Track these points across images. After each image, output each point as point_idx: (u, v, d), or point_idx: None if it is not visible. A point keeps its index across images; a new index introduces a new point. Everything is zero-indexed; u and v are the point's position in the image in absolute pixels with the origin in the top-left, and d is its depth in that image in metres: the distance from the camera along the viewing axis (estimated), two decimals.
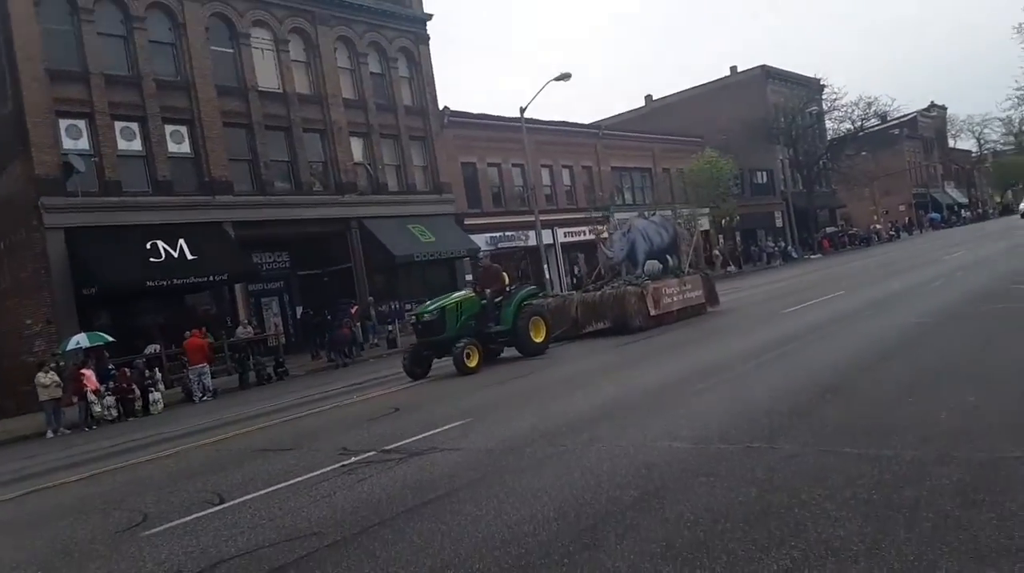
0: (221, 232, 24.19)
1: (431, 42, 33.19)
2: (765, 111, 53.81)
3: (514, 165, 35.88)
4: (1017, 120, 73.43)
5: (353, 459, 7.61)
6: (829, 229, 58.92)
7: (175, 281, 21.71)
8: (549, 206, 37.02)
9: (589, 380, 10.90)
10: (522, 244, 34.58)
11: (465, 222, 32.63)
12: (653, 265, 19.24)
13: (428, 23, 33.10)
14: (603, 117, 58.06)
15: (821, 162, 57.03)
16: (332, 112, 28.39)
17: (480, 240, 32.29)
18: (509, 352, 15.42)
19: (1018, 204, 56.92)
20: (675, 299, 18.04)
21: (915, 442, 5.28)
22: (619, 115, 61.83)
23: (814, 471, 4.96)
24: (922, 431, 5.53)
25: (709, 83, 59.71)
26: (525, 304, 15.23)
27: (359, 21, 29.97)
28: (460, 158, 33.69)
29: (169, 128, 23.85)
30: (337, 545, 4.95)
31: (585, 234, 39.44)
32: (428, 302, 16.18)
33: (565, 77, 30.36)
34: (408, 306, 29.15)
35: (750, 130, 50.77)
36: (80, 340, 18.60)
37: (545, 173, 38.18)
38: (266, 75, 26.79)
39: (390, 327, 25.95)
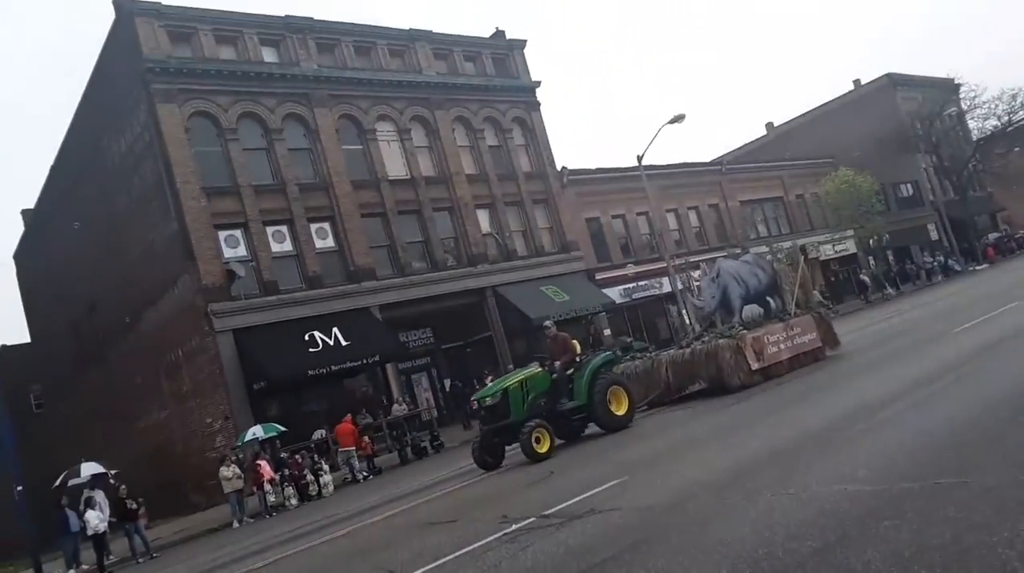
0: (369, 316, 25.51)
1: (542, 107, 34.14)
2: (898, 120, 50.82)
3: (638, 214, 35.76)
4: None
5: (514, 527, 7.63)
6: (992, 235, 54.06)
7: (333, 367, 23.00)
8: (680, 250, 36.41)
9: (717, 436, 10.44)
10: (656, 291, 34.10)
11: (596, 277, 32.67)
12: (752, 310, 17.29)
13: (537, 90, 34.13)
14: (723, 152, 56.98)
15: (970, 165, 52.85)
16: (457, 189, 29.60)
17: (613, 293, 32.19)
18: (592, 428, 14.00)
19: None
20: (783, 347, 15.65)
21: None
22: (740, 148, 60.48)
23: (1016, 506, 4.49)
24: None
25: (833, 101, 57.37)
26: (601, 374, 13.66)
27: (472, 100, 31.36)
28: (584, 214, 34.00)
29: (314, 226, 25.70)
30: None
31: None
32: (490, 383, 15.07)
33: (679, 119, 30.17)
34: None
35: (885, 143, 48.04)
36: (256, 432, 19.99)
37: (671, 217, 37.76)
38: (394, 164, 28.44)
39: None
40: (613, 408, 13.42)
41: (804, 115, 58.77)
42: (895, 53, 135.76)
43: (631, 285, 33.81)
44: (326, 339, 23.48)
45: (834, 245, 43.94)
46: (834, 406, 10.04)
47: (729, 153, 56.59)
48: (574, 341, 14.78)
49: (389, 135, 28.77)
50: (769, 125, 62.43)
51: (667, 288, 32.29)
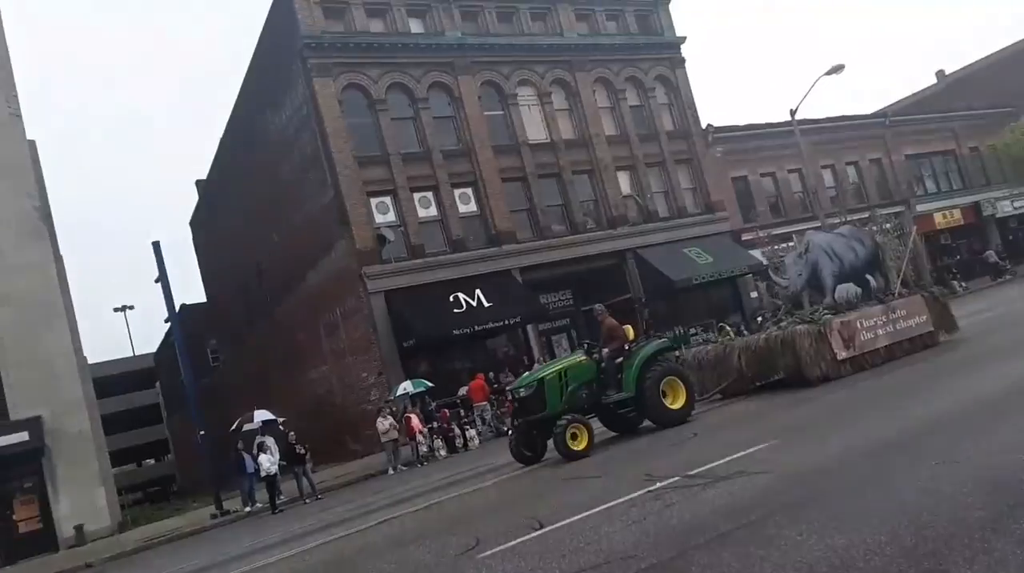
0: (510, 279, 26.06)
1: (686, 63, 32.98)
2: None
3: (790, 171, 33.98)
4: None
5: (659, 485, 7.68)
6: None
7: (476, 327, 23.79)
8: (834, 208, 34.30)
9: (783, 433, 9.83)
10: None
11: (742, 238, 31.49)
12: (848, 290, 15.22)
13: (682, 46, 32.98)
14: (886, 104, 52.75)
15: None
16: (597, 151, 29.34)
17: (759, 254, 30.87)
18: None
19: None
20: (880, 333, 13.83)
21: None
22: (907, 98, 55.68)
23: None
24: None
25: (1015, 44, 51.45)
26: (658, 362, 12.41)
27: (614, 60, 30.80)
28: (730, 173, 32.73)
29: (457, 192, 26.44)
30: (654, 568, 5.04)
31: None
32: (527, 372, 13.70)
33: (838, 70, 28.24)
34: (693, 331, 28.78)
35: None
36: (406, 386, 21.16)
37: (827, 174, 35.61)
38: (534, 128, 28.58)
39: (677, 354, 25.73)
40: (668, 401, 12.24)
41: (980, 60, 53.12)
42: None
43: (781, 245, 32.26)
44: (469, 300, 24.27)
45: (1013, 202, 39.84)
46: (943, 400, 9.25)
47: (894, 104, 52.31)
48: (627, 326, 13.35)
49: (530, 99, 28.89)
50: (940, 73, 56.96)
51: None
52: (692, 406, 12.49)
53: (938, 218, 38.12)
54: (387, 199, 25.25)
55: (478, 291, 24.55)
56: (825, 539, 4.74)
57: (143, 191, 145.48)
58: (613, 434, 13.04)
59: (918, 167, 39.16)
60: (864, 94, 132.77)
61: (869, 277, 15.55)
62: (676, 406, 12.23)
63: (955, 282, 32.17)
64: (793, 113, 30.26)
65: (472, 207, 26.70)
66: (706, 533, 5.55)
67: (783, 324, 14.16)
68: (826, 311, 14.13)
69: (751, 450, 8.31)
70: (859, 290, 15.31)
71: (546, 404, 11.86)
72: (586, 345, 13.21)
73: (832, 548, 4.54)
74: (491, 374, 23.63)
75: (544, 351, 26.97)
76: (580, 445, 11.36)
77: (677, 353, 15.11)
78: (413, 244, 24.99)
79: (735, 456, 8.17)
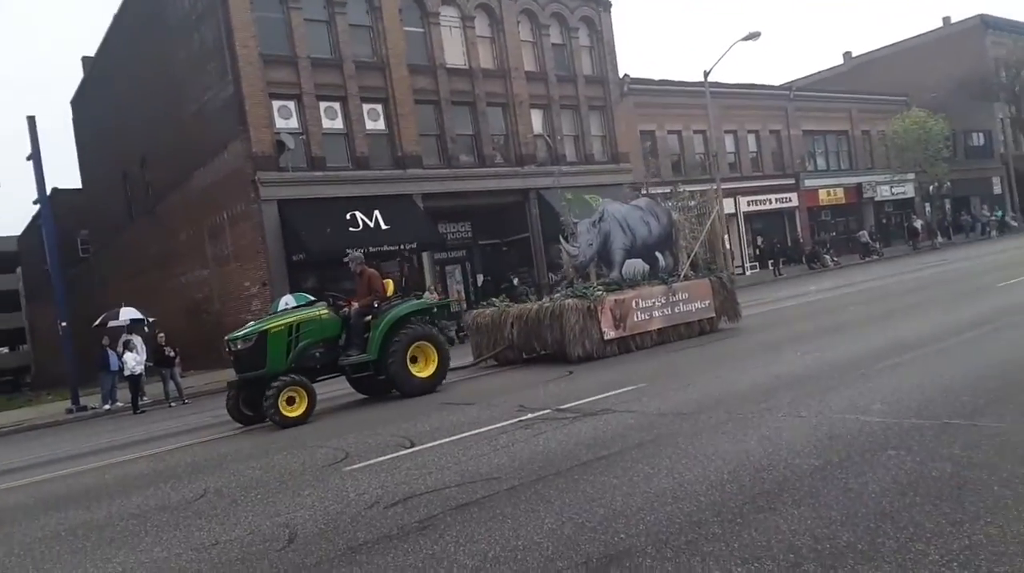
0: (411, 204, 25.67)
1: (612, 8, 32.84)
2: (983, 65, 47.94)
3: (695, 132, 34.84)
4: None
5: (530, 415, 7.98)
6: None
7: (370, 248, 23.31)
8: (732, 174, 35.61)
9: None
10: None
11: (642, 192, 32.17)
12: (636, 266, 14.36)
13: None
14: (794, 78, 54.58)
15: None
16: (514, 85, 28.99)
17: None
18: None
19: None
20: (656, 315, 13.32)
21: None
22: (814, 75, 57.81)
23: (1020, 450, 4.57)
24: None
25: (918, 37, 54.07)
26: (410, 325, 11.25)
27: None
28: (639, 126, 33.22)
29: (367, 107, 25.54)
30: (515, 490, 5.27)
31: (771, 203, 37.70)
32: (250, 323, 12.11)
33: (754, 36, 28.95)
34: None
35: (964, 87, 45.53)
36: (288, 301, 20.47)
37: (729, 139, 36.73)
38: (453, 52, 27.84)
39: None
40: (417, 368, 11.21)
41: (884, 48, 55.65)
42: None
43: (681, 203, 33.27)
44: (367, 220, 23.79)
45: (892, 187, 42.56)
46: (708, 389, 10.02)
47: (800, 79, 54.20)
48: (387, 280, 12.13)
49: (452, 21, 28.03)
50: (847, 54, 59.33)
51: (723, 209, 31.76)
52: (443, 375, 11.53)
53: (822, 194, 40.26)
54: (291, 104, 24.10)
55: (377, 212, 24.08)
56: (674, 474, 5.09)
57: (22, 64, 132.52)
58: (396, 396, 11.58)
59: (812, 143, 41.01)
60: (781, 64, 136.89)
61: (659, 255, 14.70)
62: (424, 374, 11.24)
63: (828, 256, 34.25)
64: (706, 75, 30.89)
65: (380, 125, 25.92)
66: (568, 461, 5.83)
67: (556, 296, 13.62)
68: (599, 287, 13.44)
69: (619, 391, 8.72)
70: (647, 267, 14.43)
71: (267, 360, 10.40)
72: (331, 298, 11.68)
73: (679, 482, 4.88)
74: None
75: (437, 280, 26.97)
76: (297, 411, 10.10)
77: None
78: (314, 155, 24.10)
79: (605, 395, 8.56)
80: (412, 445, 7.37)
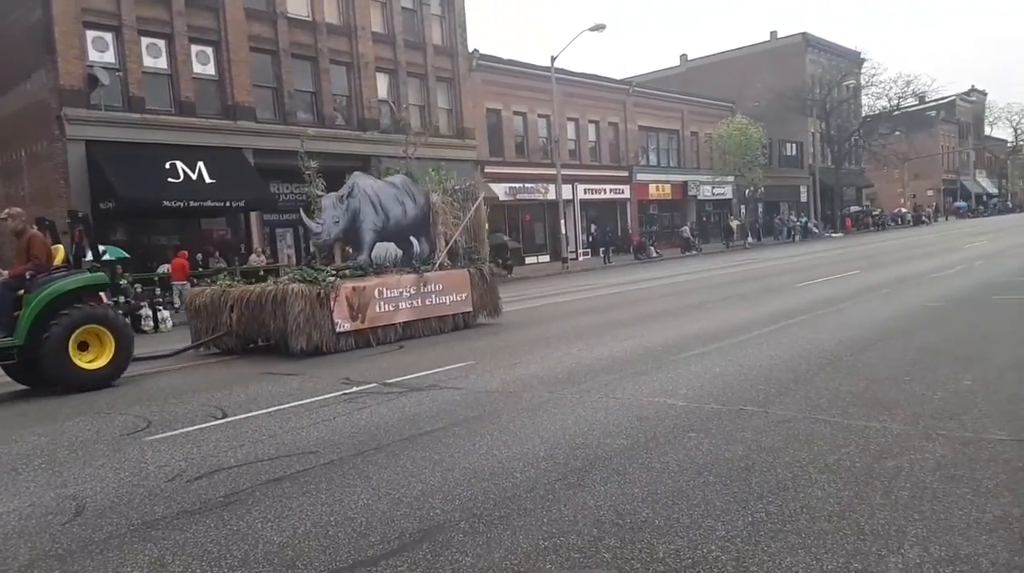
0: (240, 158, 24.21)
1: None
2: (801, 81, 52.67)
3: (540, 116, 35.54)
4: None
5: (355, 389, 7.81)
6: (853, 208, 58.20)
7: (192, 203, 21.85)
8: (572, 161, 36.74)
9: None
10: (541, 197, 34.47)
11: (485, 170, 32.48)
12: (388, 250, 12.92)
13: None
14: (635, 74, 57.06)
15: (853, 138, 56.05)
16: (360, 45, 28.06)
17: (499, 189, 32.21)
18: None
19: None
20: (403, 306, 12.05)
21: (905, 418, 5.35)
22: (653, 73, 60.80)
23: (803, 436, 5.05)
24: (914, 408, 5.59)
25: (747, 47, 58.41)
26: (77, 304, 9.24)
27: None
28: (486, 104, 33.37)
29: (195, 48, 23.70)
30: (332, 464, 5.13)
31: (605, 193, 39.35)
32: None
33: (599, 28, 29.91)
34: None
35: (784, 99, 49.83)
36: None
37: (571, 126, 37.81)
38: (296, 1, 26.44)
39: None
40: (86, 357, 9.22)
41: (717, 55, 59.66)
42: (818, 12, 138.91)
43: (517, 185, 33.90)
44: (189, 172, 22.17)
45: (713, 187, 45.82)
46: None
47: (640, 75, 56.75)
48: (57, 246, 9.96)
49: None
50: (683, 57, 62.98)
51: (552, 195, 32.72)
52: (122, 366, 9.53)
53: (652, 189, 42.60)
54: (108, 36, 21.85)
55: (201, 164, 22.47)
56: (493, 450, 5.17)
57: None
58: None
59: (646, 139, 43.20)
60: (622, 59, 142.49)
61: (414, 240, 13.31)
62: (95, 365, 9.24)
63: (652, 248, 36.35)
64: (553, 60, 31.56)
65: (210, 70, 24.17)
66: (390, 436, 5.76)
67: (282, 279, 11.90)
68: (332, 271, 12.10)
69: (448, 367, 8.74)
70: (400, 253, 13.01)
71: None
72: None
73: (498, 458, 4.96)
74: (199, 256, 22.05)
75: (266, 243, 25.71)
76: None
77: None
78: (132, 95, 22.05)
79: (433, 371, 8.54)
80: (224, 415, 6.96)
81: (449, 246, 13.49)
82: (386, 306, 11.87)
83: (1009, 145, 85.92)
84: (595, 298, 17.78)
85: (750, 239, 43.53)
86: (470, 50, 32.61)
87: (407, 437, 5.71)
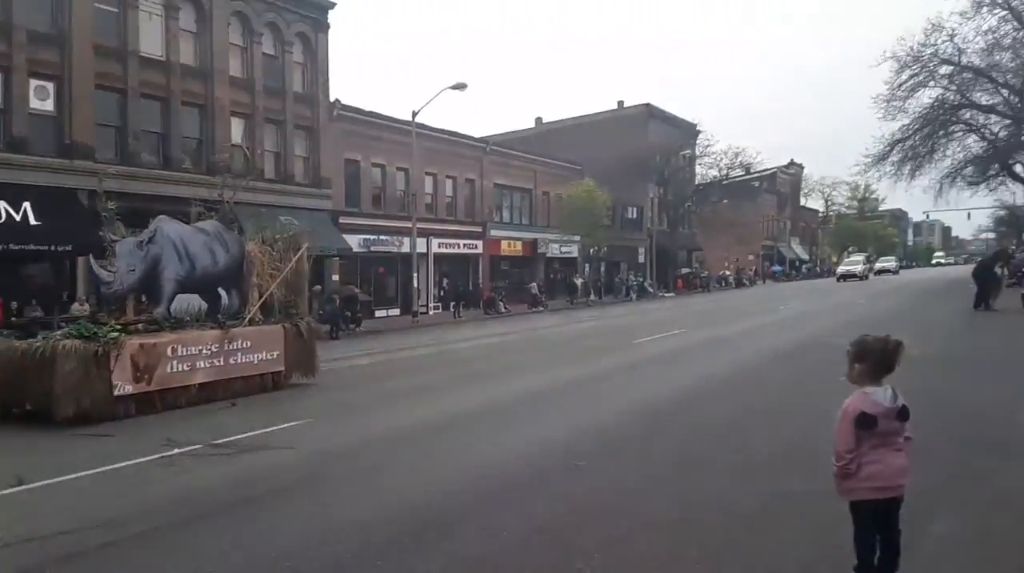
0: (74, 200, 22.64)
1: (331, 31, 32.77)
2: (644, 148, 56.36)
3: (399, 168, 35.83)
4: (861, 187, 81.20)
5: (176, 451, 7.47)
6: (684, 270, 62.21)
7: (11, 245, 20.27)
8: (428, 215, 37.20)
9: None
10: (395, 250, 34.58)
11: (340, 220, 32.28)
12: (192, 302, 11.97)
13: (330, 11, 32.66)
14: (492, 133, 59.02)
15: (687, 205, 60.28)
16: (216, 88, 27.37)
17: (353, 240, 32.03)
18: None
19: (848, 266, 61.86)
20: (201, 366, 10.79)
21: (730, 468, 5.97)
22: (509, 133, 62.91)
23: (630, 491, 5.48)
24: (737, 460, 6.21)
25: (597, 114, 61.92)
26: None
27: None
28: (345, 154, 33.29)
29: (35, 83, 22.13)
30: (141, 537, 4.89)
31: (459, 247, 40.08)
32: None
33: (461, 87, 30.85)
34: None
35: (628, 165, 52.94)
36: None
37: (429, 181, 38.34)
38: (150, 40, 25.43)
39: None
40: None
41: (570, 119, 62.86)
42: (662, 84, 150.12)
43: (373, 237, 33.86)
44: (11, 212, 20.59)
45: (561, 246, 47.79)
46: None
47: (497, 135, 58.68)
48: None
49: (153, 7, 25.66)
50: (539, 120, 65.87)
51: (407, 248, 32.96)
52: None
53: (504, 245, 43.81)
54: None
55: (27, 204, 20.93)
56: (327, 513, 5.19)
57: None
58: None
59: (501, 196, 44.55)
60: (481, 117, 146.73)
61: (223, 291, 12.32)
62: None
63: (501, 303, 37.20)
64: (414, 115, 32.16)
65: (48, 106, 22.65)
66: (213, 503, 5.60)
67: (54, 334, 10.37)
68: (118, 326, 10.34)
69: (283, 426, 8.65)
70: (204, 306, 12.02)
71: None
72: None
73: (330, 525, 4.95)
74: (14, 303, 20.46)
75: (91, 291, 24.08)
76: None
77: None
78: None
79: (266, 430, 8.38)
80: (20, 482, 6.37)
81: (263, 299, 12.28)
82: (181, 365, 10.52)
83: (820, 215, 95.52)
84: (442, 353, 18.01)
85: (592, 297, 45.53)
86: (332, 99, 32.62)
87: (233, 502, 5.60)
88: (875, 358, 3.22)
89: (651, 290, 52.43)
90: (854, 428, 3.15)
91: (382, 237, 34.22)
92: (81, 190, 23.04)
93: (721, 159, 58.91)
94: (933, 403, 7.33)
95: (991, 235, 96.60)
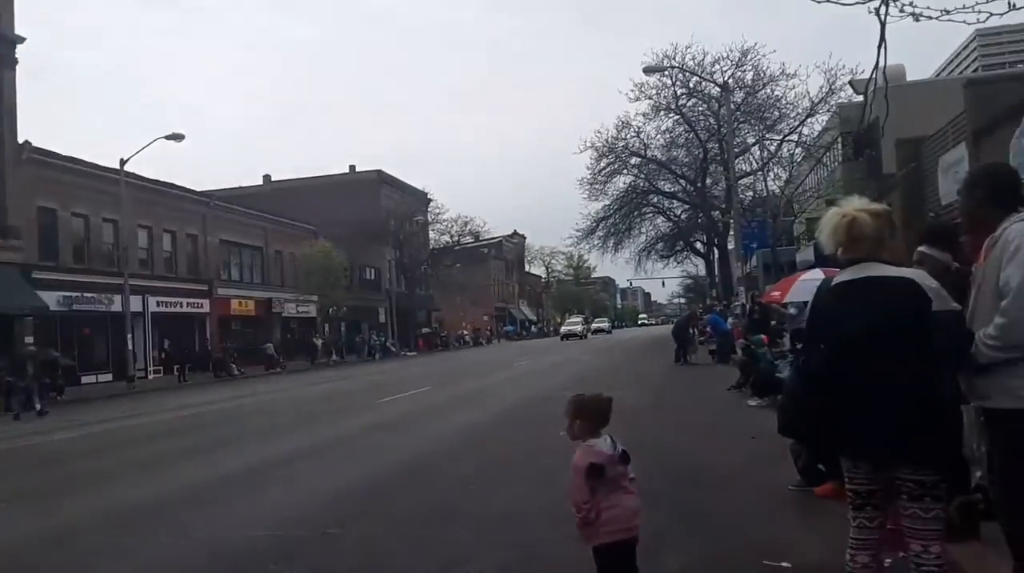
0: None
1: (20, 66, 28.81)
2: (378, 212, 56.94)
3: (105, 219, 32.10)
4: (576, 256, 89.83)
5: None
6: (424, 330, 63.43)
7: None
8: (143, 271, 33.69)
9: None
10: (104, 309, 30.67)
11: (34, 275, 27.90)
12: None
13: (19, 46, 28.71)
14: (216, 187, 55.66)
15: (423, 268, 61.81)
16: None
17: (51, 298, 27.83)
18: None
19: (570, 326, 67.17)
20: None
21: (476, 524, 5.87)
22: (235, 188, 59.79)
23: (384, 553, 5.20)
24: (481, 515, 6.17)
25: (329, 176, 61.58)
26: None
27: None
28: (37, 201, 29.05)
29: None
30: None
31: (183, 306, 36.80)
32: None
33: (177, 137, 28.77)
34: None
35: (363, 227, 53.06)
36: None
37: (143, 234, 34.84)
38: None
39: None
40: None
41: (301, 179, 61.68)
42: (393, 150, 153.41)
43: (75, 294, 29.71)
44: None
45: (298, 306, 46.05)
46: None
47: (223, 190, 55.43)
48: None
49: None
50: (267, 177, 63.67)
51: (118, 306, 29.40)
52: None
53: (235, 304, 41.07)
54: None
55: None
56: None
57: None
58: None
59: (228, 253, 41.90)
60: (203, 171, 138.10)
61: None
62: None
63: (234, 365, 34.67)
64: (123, 163, 29.24)
65: None
66: None
67: None
68: None
69: None
70: None
71: None
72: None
73: None
74: None
75: None
76: None
77: None
78: None
79: None
80: None
81: None
82: None
83: (543, 280, 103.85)
84: (165, 421, 16.13)
85: (334, 357, 44.34)
86: (20, 141, 28.44)
87: None
88: (592, 414, 3.46)
89: (394, 349, 52.49)
90: (586, 480, 3.29)
91: (87, 294, 30.23)
92: None
93: (452, 226, 61.49)
94: (645, 447, 8.02)
95: (682, 299, 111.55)
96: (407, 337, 58.56)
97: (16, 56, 28.62)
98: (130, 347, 28.87)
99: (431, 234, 63.63)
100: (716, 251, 44.28)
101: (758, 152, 35.34)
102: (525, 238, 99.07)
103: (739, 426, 10.24)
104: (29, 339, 26.52)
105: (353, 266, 50.15)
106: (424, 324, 65.53)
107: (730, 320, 23.56)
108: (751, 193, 36.40)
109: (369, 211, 55.86)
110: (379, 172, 61.07)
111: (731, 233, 33.85)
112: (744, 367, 14.31)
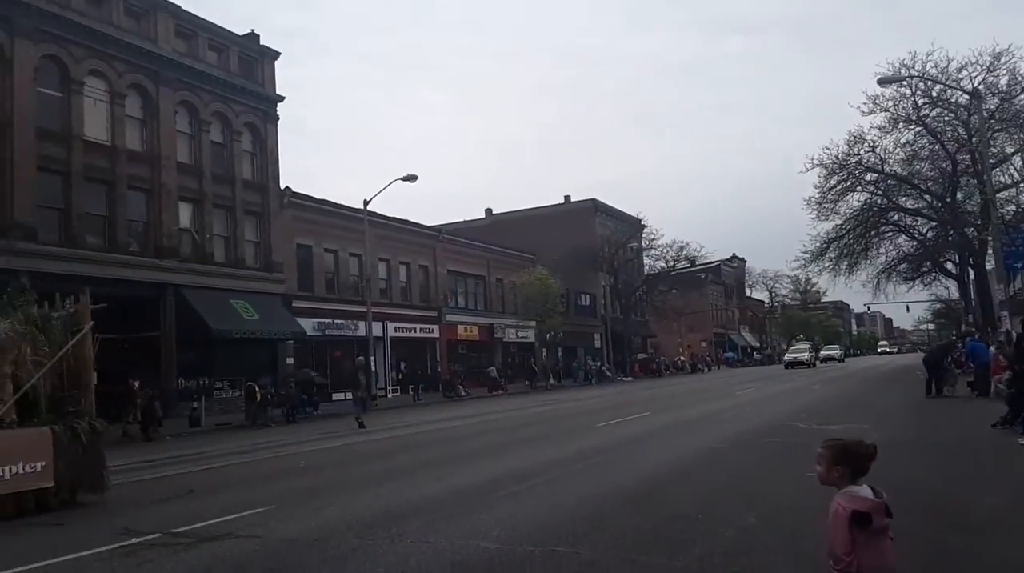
0: (14, 282, 21.74)
1: (280, 122, 33.06)
2: (592, 240, 57.62)
3: (351, 254, 35.68)
4: (803, 279, 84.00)
5: (135, 540, 6.91)
6: (640, 355, 62.81)
7: None
8: (383, 299, 36.89)
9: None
10: (351, 334, 33.98)
11: (293, 304, 31.68)
12: None
13: (279, 104, 32.99)
14: (443, 222, 59.71)
15: (637, 293, 61.39)
16: (163, 173, 27.06)
17: (308, 324, 31.40)
18: None
19: (795, 353, 62.39)
20: None
21: (700, 556, 5.66)
22: (461, 222, 63.72)
23: None
24: (709, 546, 5.94)
25: (545, 207, 63.51)
26: None
27: (205, 90, 29.29)
28: (296, 239, 33.04)
29: None
30: None
31: (416, 331, 39.71)
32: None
33: (412, 178, 31.23)
34: (219, 385, 27.56)
35: (578, 255, 54.00)
36: None
37: (382, 266, 38.26)
38: (95, 125, 25.25)
39: (195, 405, 24.06)
40: None
41: (519, 211, 64.19)
42: (606, 181, 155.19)
43: (327, 321, 33.27)
44: None
45: (518, 331, 47.78)
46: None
47: (449, 224, 59.32)
48: None
49: (99, 94, 25.60)
50: (489, 211, 67.06)
51: (362, 332, 32.41)
52: None
53: (461, 330, 43.60)
54: None
55: None
56: None
57: None
58: None
59: (455, 283, 44.64)
60: (437, 206, 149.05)
61: None
62: None
63: (461, 387, 36.70)
64: (366, 204, 32.30)
65: None
66: None
67: None
68: None
69: (245, 513, 8.05)
70: None
71: None
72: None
73: None
74: None
75: None
76: None
77: None
78: None
79: (227, 517, 7.82)
80: None
81: (19, 394, 9.15)
82: None
83: (766, 305, 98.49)
84: (404, 436, 17.42)
85: (552, 381, 45.32)
86: (282, 187, 32.56)
87: None
88: (853, 460, 3.17)
89: (609, 374, 52.52)
90: (849, 529, 3.02)
91: (337, 321, 33.69)
92: (23, 271, 22.22)
93: (667, 252, 60.41)
94: (906, 489, 7.29)
95: (931, 325, 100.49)
96: (622, 362, 58.34)
97: (277, 113, 32.92)
98: (372, 369, 31.61)
99: (646, 260, 63.13)
100: (972, 272, 39.18)
101: (1020, 162, 31.19)
102: (745, 262, 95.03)
103: (1009, 466, 8.97)
104: (290, 360, 30.08)
105: (569, 292, 51.11)
106: (639, 349, 64.94)
107: (992, 348, 20.73)
108: (1013, 206, 32.10)
109: (584, 239, 56.77)
110: (594, 201, 61.95)
111: (990, 251, 29.94)
112: (1013, 401, 12.54)
